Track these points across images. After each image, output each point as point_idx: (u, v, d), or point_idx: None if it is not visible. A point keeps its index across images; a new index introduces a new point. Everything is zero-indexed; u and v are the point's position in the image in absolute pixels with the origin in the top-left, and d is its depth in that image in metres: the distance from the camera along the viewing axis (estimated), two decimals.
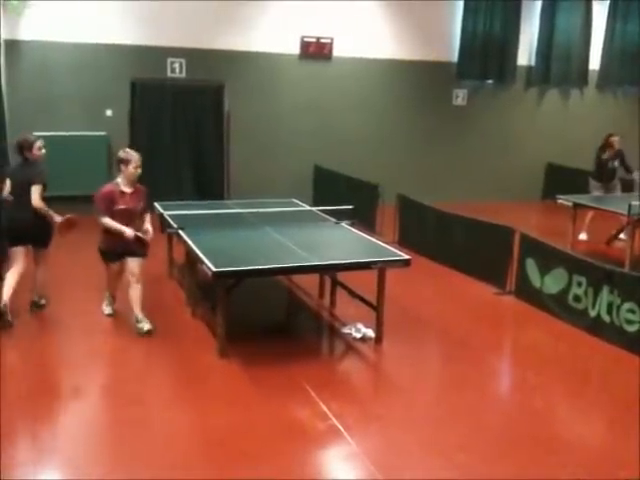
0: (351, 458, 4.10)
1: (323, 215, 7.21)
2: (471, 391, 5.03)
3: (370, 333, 5.87)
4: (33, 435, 4.24)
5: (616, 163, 9.66)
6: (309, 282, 7.06)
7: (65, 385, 5.02)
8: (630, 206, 7.71)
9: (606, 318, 5.94)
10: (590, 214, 9.53)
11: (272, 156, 11.35)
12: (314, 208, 7.74)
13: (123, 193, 5.73)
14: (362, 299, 6.12)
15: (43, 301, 6.34)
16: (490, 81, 12.61)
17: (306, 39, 11.22)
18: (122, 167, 5.74)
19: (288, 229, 6.47)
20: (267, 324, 6.41)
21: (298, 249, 5.75)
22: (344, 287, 6.46)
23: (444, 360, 5.81)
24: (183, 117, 10.80)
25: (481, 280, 7.52)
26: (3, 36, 9.51)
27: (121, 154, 5.83)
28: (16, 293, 5.91)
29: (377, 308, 5.82)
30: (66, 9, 9.83)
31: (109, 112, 10.35)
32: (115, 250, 5.80)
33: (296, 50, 11.23)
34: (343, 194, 9.59)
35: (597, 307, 6.04)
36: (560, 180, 12.02)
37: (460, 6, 12.04)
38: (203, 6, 10.42)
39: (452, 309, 6.86)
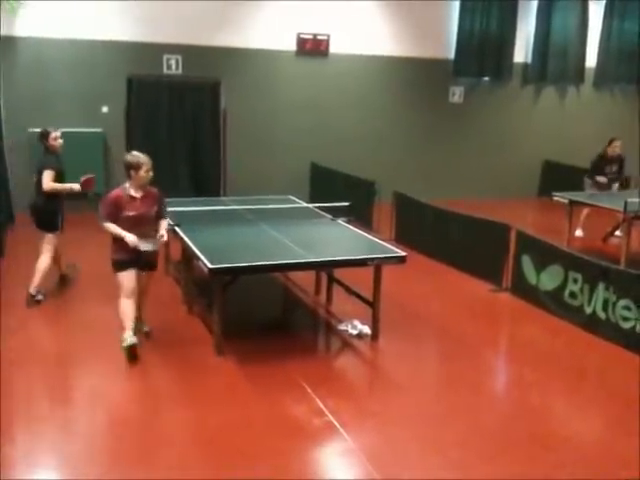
0: (347, 454, 4.11)
1: (320, 212, 7.21)
2: (467, 388, 5.03)
3: (366, 330, 5.87)
4: (31, 434, 4.22)
5: (614, 168, 9.59)
6: (305, 279, 7.06)
7: (62, 384, 5.01)
8: (626, 203, 7.71)
9: (602, 315, 5.95)
10: (586, 211, 9.53)
11: (269, 153, 11.34)
12: (310, 205, 7.73)
13: (132, 198, 5.24)
14: (358, 296, 6.12)
15: (40, 297, 6.33)
16: (487, 78, 12.60)
17: (302, 36, 11.21)
18: (132, 173, 5.20)
19: (284, 226, 6.46)
20: (263, 321, 6.41)
21: (294, 246, 5.74)
22: (340, 284, 6.46)
23: (440, 357, 5.82)
24: (179, 114, 10.78)
25: (477, 277, 7.53)
26: None
27: (129, 158, 5.26)
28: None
29: (373, 305, 5.82)
30: (62, 5, 9.80)
31: (105, 109, 10.34)
32: (126, 259, 5.24)
33: (293, 47, 11.22)
34: (340, 191, 9.60)
35: (593, 304, 6.05)
36: (556, 177, 12.02)
37: (457, 3, 12.02)
38: (199, 3, 10.39)
39: (448, 306, 6.86)
